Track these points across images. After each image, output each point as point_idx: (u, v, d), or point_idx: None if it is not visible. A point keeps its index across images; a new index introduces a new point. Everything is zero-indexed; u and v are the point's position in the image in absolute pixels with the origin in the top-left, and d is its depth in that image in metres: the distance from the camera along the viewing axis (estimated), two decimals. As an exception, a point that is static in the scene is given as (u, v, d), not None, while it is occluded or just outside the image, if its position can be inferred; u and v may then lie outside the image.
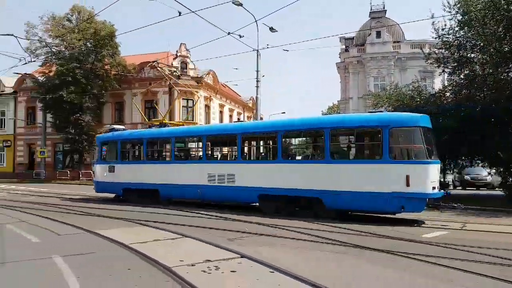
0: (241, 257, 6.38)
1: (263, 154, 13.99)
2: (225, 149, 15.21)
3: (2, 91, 41.70)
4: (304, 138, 13.58)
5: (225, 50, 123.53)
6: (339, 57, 41.21)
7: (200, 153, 14.85)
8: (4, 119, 41.86)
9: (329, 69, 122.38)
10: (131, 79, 34.61)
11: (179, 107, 34.39)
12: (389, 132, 10.31)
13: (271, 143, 13.40)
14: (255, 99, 24.25)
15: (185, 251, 6.96)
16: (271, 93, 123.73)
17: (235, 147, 13.72)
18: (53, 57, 32.18)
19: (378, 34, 37.02)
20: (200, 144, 14.81)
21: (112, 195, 17.32)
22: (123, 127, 20.53)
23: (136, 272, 5.70)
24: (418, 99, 17.42)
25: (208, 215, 11.81)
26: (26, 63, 29.01)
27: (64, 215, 11.91)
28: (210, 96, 37.72)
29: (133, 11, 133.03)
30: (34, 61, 31.10)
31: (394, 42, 37.37)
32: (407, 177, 9.92)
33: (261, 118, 21.31)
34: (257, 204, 13.17)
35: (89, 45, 31.71)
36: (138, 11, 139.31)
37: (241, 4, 18.52)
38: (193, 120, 34.46)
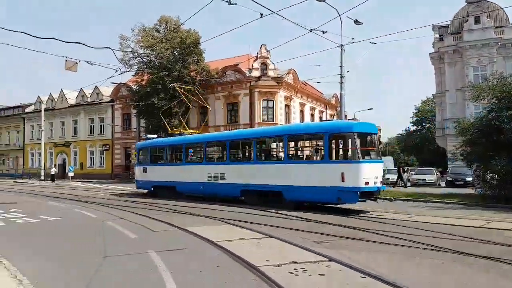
0: (329, 260, 6.15)
1: (244, 157, 16.49)
2: (219, 153, 17.84)
3: (101, 100, 46.04)
4: (271, 143, 15.98)
5: (307, 48, 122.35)
6: (433, 47, 38.13)
7: (203, 157, 17.70)
8: (103, 125, 46.17)
9: (421, 60, 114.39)
10: (214, 83, 35.92)
11: (259, 108, 34.78)
12: (328, 137, 12.71)
13: (248, 148, 16.08)
14: (338, 96, 23.57)
15: (271, 251, 6.91)
16: (357, 89, 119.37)
17: (228, 151, 16.48)
18: (144, 66, 34.53)
19: (477, 20, 33.69)
20: (202, 149, 17.79)
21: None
22: (155, 135, 24.15)
23: (225, 269, 5.79)
24: (527, 89, 15.35)
25: (289, 216, 11.71)
26: (121, 73, 31.69)
27: (157, 212, 12.72)
28: (291, 96, 37.42)
29: (215, 16, 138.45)
30: (128, 71, 33.75)
31: (497, 27, 33.71)
32: (342, 174, 12.04)
33: (345, 116, 20.71)
34: (242, 197, 15.62)
35: (176, 53, 33.46)
36: (220, 16, 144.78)
37: (323, -1, 18.06)
38: (273, 121, 34.58)
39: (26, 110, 54.33)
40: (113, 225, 10.09)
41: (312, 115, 42.81)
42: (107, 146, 45.24)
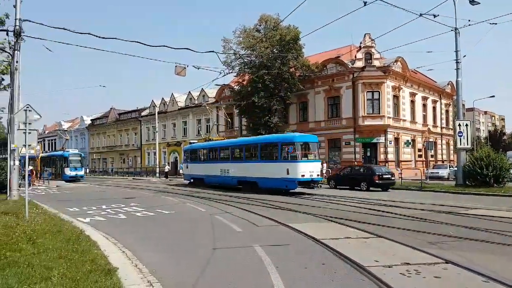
0: (446, 262, 5.69)
1: (239, 157, 22.71)
2: (226, 155, 24.37)
3: (207, 101, 48.79)
4: (253, 148, 22.00)
5: (416, 34, 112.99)
6: None
7: (217, 157, 25.15)
8: (209, 125, 48.82)
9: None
10: (314, 78, 35.35)
11: (363, 101, 33.17)
12: (280, 145, 19.20)
13: (241, 151, 22.72)
14: (454, 83, 21.53)
15: (379, 251, 6.58)
16: (476, 75, 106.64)
17: (230, 153, 23.69)
18: (245, 67, 35.44)
19: None
20: (217, 152, 25.40)
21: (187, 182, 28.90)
22: (196, 140, 33.28)
23: (330, 267, 5.67)
24: None
25: (399, 215, 11.09)
26: (224, 75, 33.21)
27: (260, 208, 13.12)
28: (399, 85, 34.76)
29: (315, 8, 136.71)
30: (231, 72, 35.10)
31: None
32: (287, 169, 18.18)
33: (463, 105, 19.16)
34: (240, 186, 21.97)
35: (275, 51, 33.67)
36: (321, 8, 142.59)
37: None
38: (379, 113, 32.76)
39: (142, 114, 60.06)
40: (220, 219, 10.63)
41: (424, 105, 39.09)
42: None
